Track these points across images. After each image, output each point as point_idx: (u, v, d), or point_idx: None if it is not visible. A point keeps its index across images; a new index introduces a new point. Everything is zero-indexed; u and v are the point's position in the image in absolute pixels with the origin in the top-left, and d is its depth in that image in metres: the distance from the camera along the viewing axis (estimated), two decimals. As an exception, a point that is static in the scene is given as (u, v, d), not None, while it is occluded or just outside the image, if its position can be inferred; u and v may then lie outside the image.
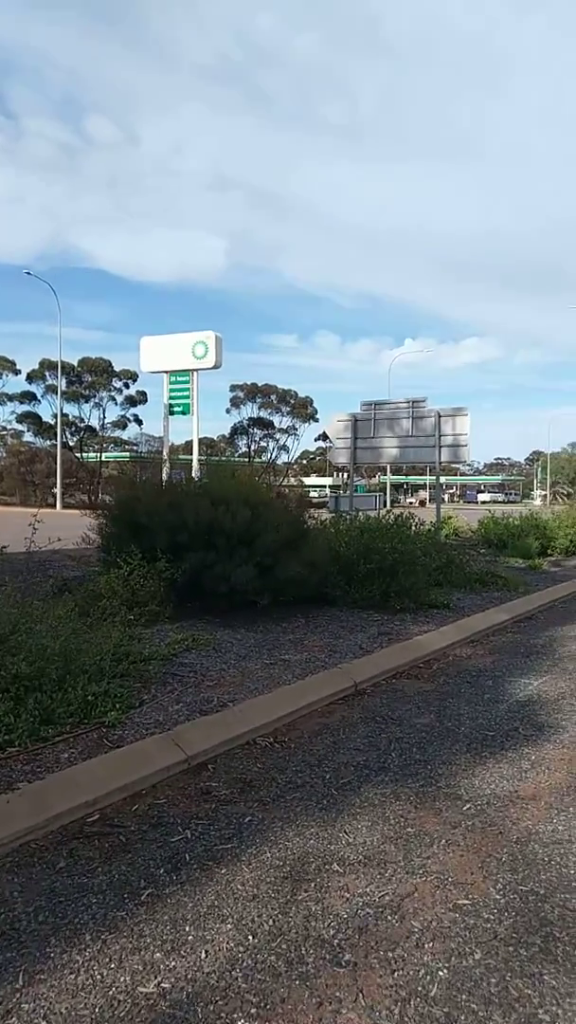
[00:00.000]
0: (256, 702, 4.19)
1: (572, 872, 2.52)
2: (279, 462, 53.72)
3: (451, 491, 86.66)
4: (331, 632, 6.03)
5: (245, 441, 52.96)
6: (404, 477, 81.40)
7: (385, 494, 39.90)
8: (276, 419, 51.86)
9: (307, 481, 64.69)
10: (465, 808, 3.04)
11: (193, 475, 9.96)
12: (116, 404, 46.12)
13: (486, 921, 2.24)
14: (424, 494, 76.60)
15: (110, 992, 1.93)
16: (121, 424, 47.81)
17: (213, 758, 3.57)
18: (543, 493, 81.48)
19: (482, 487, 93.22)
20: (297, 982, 1.98)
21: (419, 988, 1.95)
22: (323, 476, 75.44)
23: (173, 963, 2.05)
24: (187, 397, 16.54)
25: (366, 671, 5.02)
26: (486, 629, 6.80)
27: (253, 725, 3.92)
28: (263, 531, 6.19)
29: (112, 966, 2.04)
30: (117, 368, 44.63)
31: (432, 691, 4.83)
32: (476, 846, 2.72)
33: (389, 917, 2.27)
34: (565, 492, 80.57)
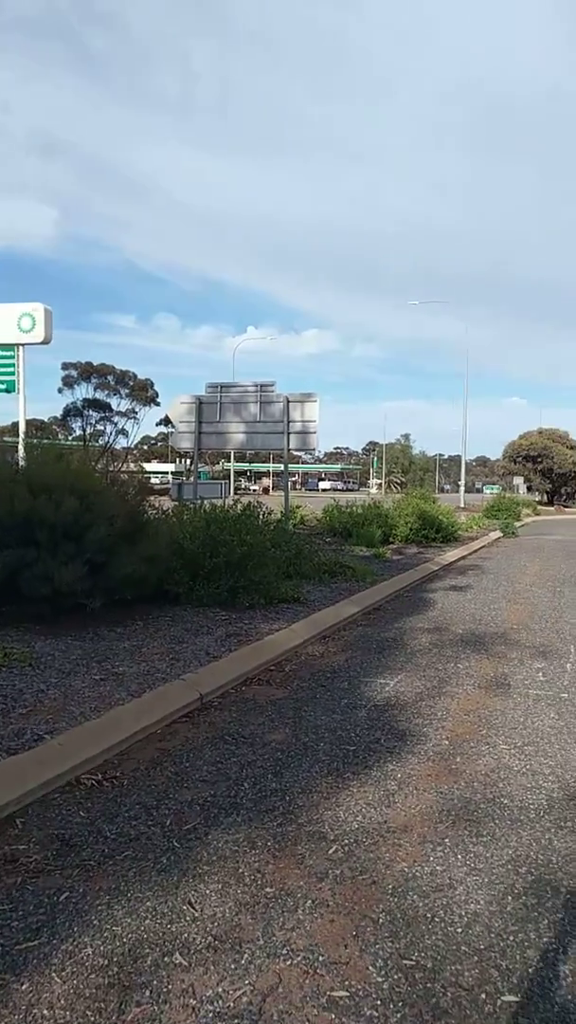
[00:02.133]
0: (81, 730, 3.51)
1: (459, 930, 2.16)
2: (118, 447, 51.50)
3: (293, 479, 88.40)
4: (173, 636, 5.43)
5: (80, 424, 50.19)
6: (247, 464, 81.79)
7: (229, 481, 39.58)
8: (114, 401, 49.55)
9: (148, 467, 62.88)
10: (331, 851, 2.61)
11: (19, 459, 8.86)
12: None
13: (369, 1021, 1.80)
14: (267, 481, 77.44)
15: None
16: None
17: (23, 809, 2.88)
18: (379, 482, 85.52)
19: (323, 475, 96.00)
20: None
21: None
22: (165, 462, 73.87)
23: None
24: (12, 374, 14.97)
25: (213, 680, 4.50)
26: (337, 623, 6.53)
27: (77, 760, 3.26)
28: (94, 523, 5.44)
29: None
30: None
31: (286, 699, 4.41)
32: (348, 904, 2.29)
33: (248, 1032, 1.77)
34: (399, 481, 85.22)
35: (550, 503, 54.28)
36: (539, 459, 58.05)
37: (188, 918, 2.21)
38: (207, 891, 2.36)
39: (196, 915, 2.23)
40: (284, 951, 2.06)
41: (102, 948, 2.07)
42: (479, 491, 71.67)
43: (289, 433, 12.41)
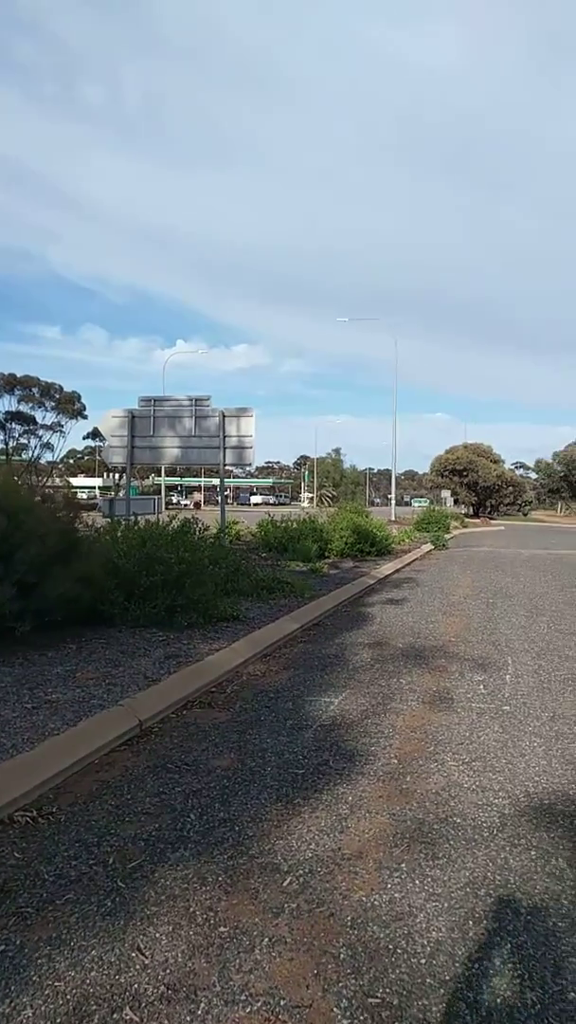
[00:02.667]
0: (13, 764, 3.30)
1: (423, 962, 2.10)
2: (43, 461, 50.13)
3: (225, 493, 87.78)
4: (109, 659, 5.22)
5: (2, 437, 48.56)
6: (178, 478, 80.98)
7: (160, 496, 39.05)
8: (39, 414, 48.27)
9: (75, 482, 61.45)
10: (286, 883, 2.51)
11: None
12: None
13: (338, 1069, 1.71)
14: (198, 496, 76.84)
15: None
16: None
17: (-49, 855, 2.66)
18: (311, 496, 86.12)
19: (255, 489, 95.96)
20: None
21: None
22: (92, 477, 72.45)
23: None
24: None
25: (153, 705, 4.33)
26: (278, 641, 6.45)
27: (9, 796, 3.05)
28: (25, 542, 5.19)
29: None
30: None
31: (229, 722, 4.29)
32: (307, 940, 2.20)
33: None
34: (330, 495, 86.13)
35: (476, 515, 55.94)
36: (465, 473, 59.80)
37: (138, 966, 2.08)
38: (157, 934, 2.23)
39: (146, 962, 2.09)
40: (243, 997, 1.95)
41: (43, 1008, 1.91)
42: (408, 504, 73.20)
43: (225, 448, 12.31)
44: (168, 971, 2.05)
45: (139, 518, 8.47)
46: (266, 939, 2.20)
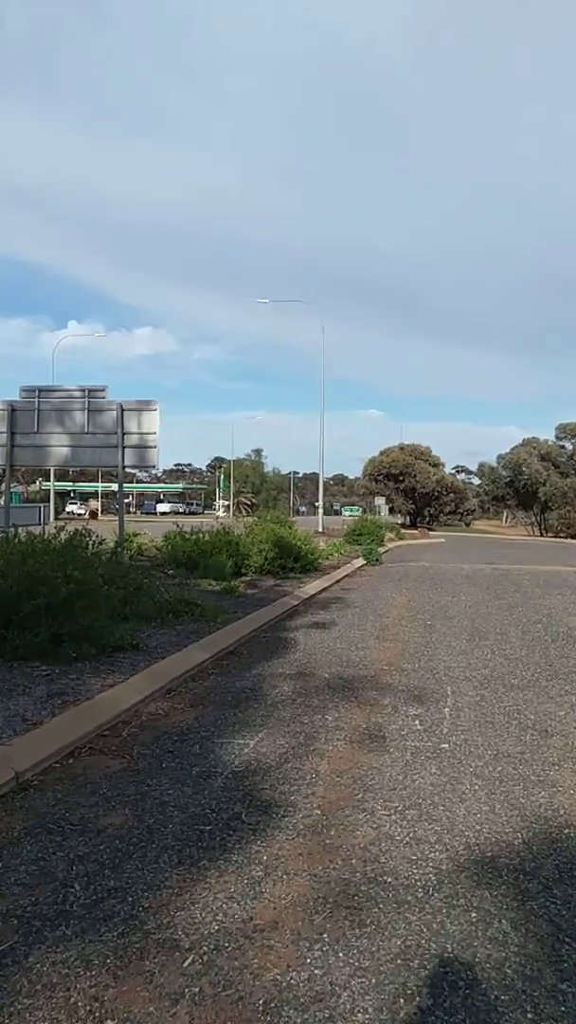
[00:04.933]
0: None
1: (347, 1050, 2.07)
2: None
3: (128, 500, 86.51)
4: (-21, 699, 5.01)
5: None
6: (71, 483, 79.25)
7: (49, 504, 38.05)
8: None
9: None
10: (187, 964, 2.44)
11: None
12: None
13: None
14: (95, 503, 75.43)
15: None
16: None
17: None
18: (227, 503, 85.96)
19: (161, 496, 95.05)
20: None
21: None
22: (-33, 480, 69.92)
23: None
24: None
25: (32, 753, 4.18)
26: (184, 673, 6.36)
27: None
28: None
29: None
30: None
31: (125, 771, 4.18)
32: (210, 1032, 2.14)
33: None
34: (249, 502, 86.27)
35: (413, 525, 57.24)
36: (401, 477, 61.19)
37: (3, 1079, 1.96)
38: (29, 1037, 2.11)
39: (14, 1073, 1.98)
40: None
41: None
42: (337, 513, 74.12)
43: (124, 447, 12.11)
44: None
45: (20, 529, 8.21)
46: (162, 1033, 2.13)
